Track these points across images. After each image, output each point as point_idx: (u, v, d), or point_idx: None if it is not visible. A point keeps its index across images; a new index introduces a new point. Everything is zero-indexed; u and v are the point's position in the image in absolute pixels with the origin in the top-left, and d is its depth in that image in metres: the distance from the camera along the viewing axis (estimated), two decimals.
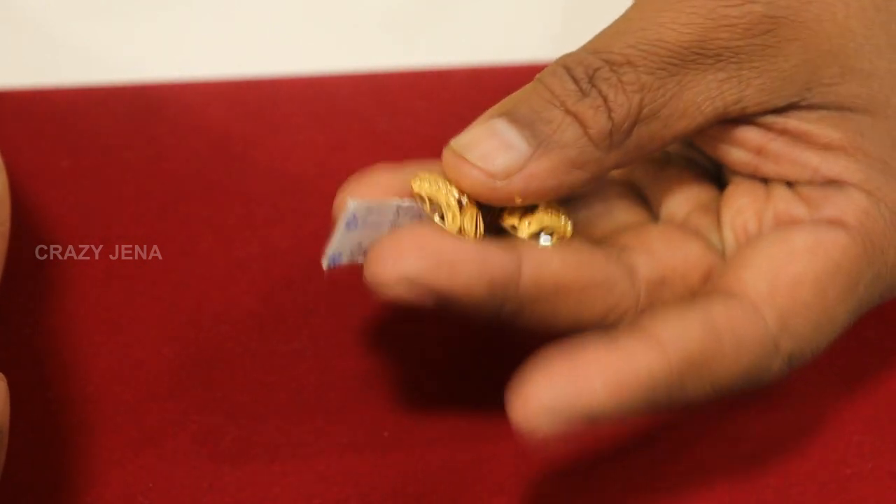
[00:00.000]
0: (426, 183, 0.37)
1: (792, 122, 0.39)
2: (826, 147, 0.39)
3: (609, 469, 0.40)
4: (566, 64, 0.38)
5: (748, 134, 0.39)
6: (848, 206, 0.38)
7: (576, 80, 0.38)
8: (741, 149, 0.40)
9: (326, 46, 0.54)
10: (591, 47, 0.38)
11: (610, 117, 0.37)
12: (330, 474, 0.40)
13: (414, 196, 0.38)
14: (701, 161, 0.42)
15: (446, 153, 0.37)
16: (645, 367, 0.36)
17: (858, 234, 0.38)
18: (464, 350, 0.43)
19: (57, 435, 0.41)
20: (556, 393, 0.35)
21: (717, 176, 0.42)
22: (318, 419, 0.41)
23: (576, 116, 0.37)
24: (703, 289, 0.39)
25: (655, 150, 0.39)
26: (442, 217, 0.37)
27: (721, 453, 0.41)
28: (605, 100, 0.37)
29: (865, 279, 0.38)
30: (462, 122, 0.49)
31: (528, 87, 0.38)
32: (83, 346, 0.43)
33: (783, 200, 0.39)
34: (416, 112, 0.49)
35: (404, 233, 0.36)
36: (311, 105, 0.50)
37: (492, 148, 0.37)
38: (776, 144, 0.39)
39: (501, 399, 0.42)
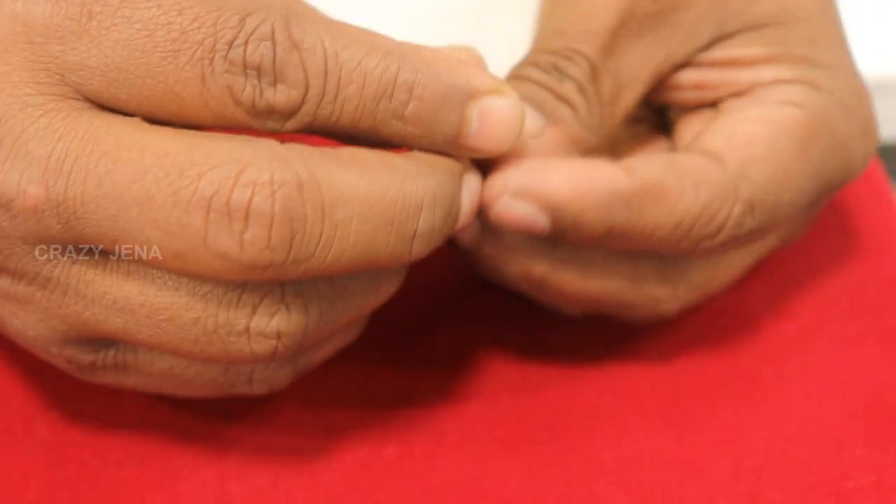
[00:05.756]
0: None
1: (717, 53, 0.42)
2: (754, 63, 0.41)
3: (611, 483, 0.40)
4: (532, 62, 0.41)
5: (684, 76, 0.42)
6: (792, 91, 0.41)
7: (547, 72, 0.40)
8: (682, 90, 0.42)
9: None
10: (540, 48, 0.41)
11: (587, 99, 0.40)
12: (335, 491, 0.40)
13: None
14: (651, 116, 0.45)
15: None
16: (607, 177, 0.38)
17: (807, 109, 0.41)
18: (469, 366, 0.44)
19: (62, 440, 0.41)
20: (522, 178, 0.38)
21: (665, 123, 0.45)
22: (322, 435, 0.41)
23: (564, 98, 0.40)
24: None
25: (615, 123, 0.41)
26: None
27: (724, 469, 0.41)
28: (577, 82, 0.40)
29: (817, 147, 0.40)
30: None
31: (506, 81, 0.40)
32: None
33: (734, 101, 0.42)
34: None
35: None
36: None
37: (516, 112, 0.38)
38: (711, 75, 0.42)
39: (506, 414, 0.42)
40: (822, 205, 0.43)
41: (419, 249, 0.36)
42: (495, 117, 0.37)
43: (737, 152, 0.40)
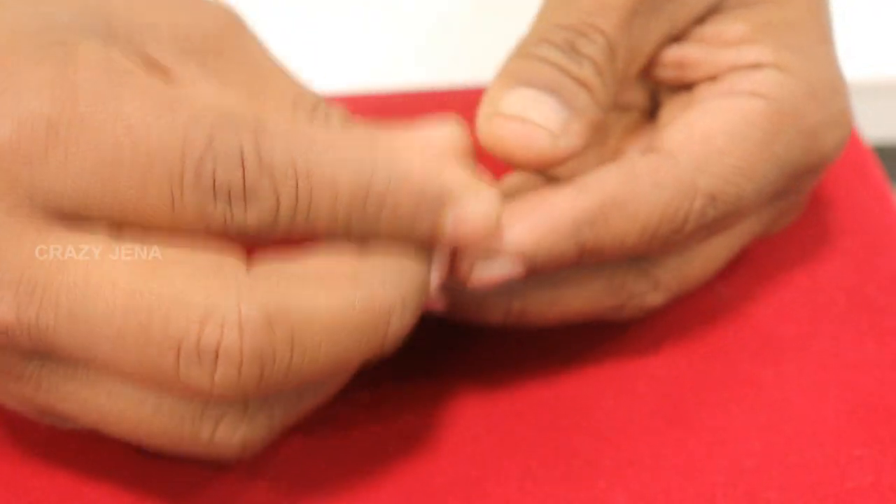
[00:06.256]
0: None
1: (707, 28, 0.42)
2: (738, 42, 0.41)
3: (611, 483, 0.41)
4: (545, 38, 0.40)
5: (668, 53, 0.42)
6: (763, 80, 0.41)
7: (564, 51, 0.39)
8: (664, 67, 0.42)
9: (337, 68, 0.55)
10: (554, 21, 0.40)
11: (603, 81, 0.39)
12: (335, 491, 0.40)
13: None
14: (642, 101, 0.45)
15: (501, 121, 0.38)
16: (566, 204, 0.38)
17: (773, 100, 0.40)
18: (469, 367, 0.44)
19: (64, 441, 0.41)
20: (482, 244, 0.38)
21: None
22: (321, 435, 0.42)
23: (583, 82, 0.39)
24: None
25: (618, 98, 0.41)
26: None
27: (722, 469, 0.41)
28: (596, 64, 0.39)
29: (783, 139, 0.40)
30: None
31: (519, 62, 0.40)
32: None
33: (705, 90, 0.42)
34: None
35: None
36: None
37: (542, 107, 0.38)
38: (694, 52, 0.42)
39: (505, 415, 0.42)
40: (800, 192, 0.43)
41: (391, 346, 0.37)
42: (471, 222, 0.36)
43: (694, 146, 0.40)
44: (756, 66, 0.41)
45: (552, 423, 0.42)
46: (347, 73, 0.55)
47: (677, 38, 0.42)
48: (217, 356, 0.34)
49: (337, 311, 0.35)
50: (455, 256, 0.38)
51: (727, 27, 0.41)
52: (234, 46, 0.38)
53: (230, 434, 0.36)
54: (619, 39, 0.40)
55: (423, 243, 0.36)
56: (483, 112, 0.39)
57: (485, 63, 0.56)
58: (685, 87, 0.43)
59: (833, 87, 0.42)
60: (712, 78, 0.42)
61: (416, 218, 0.36)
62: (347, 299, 0.35)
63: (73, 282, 0.34)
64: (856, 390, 0.43)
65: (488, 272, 0.38)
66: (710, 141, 0.40)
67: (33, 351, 0.35)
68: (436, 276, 0.38)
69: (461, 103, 0.51)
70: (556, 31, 0.40)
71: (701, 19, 0.41)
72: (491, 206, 0.36)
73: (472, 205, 0.36)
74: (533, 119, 0.38)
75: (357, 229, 0.35)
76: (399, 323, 0.36)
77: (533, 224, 0.38)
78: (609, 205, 0.38)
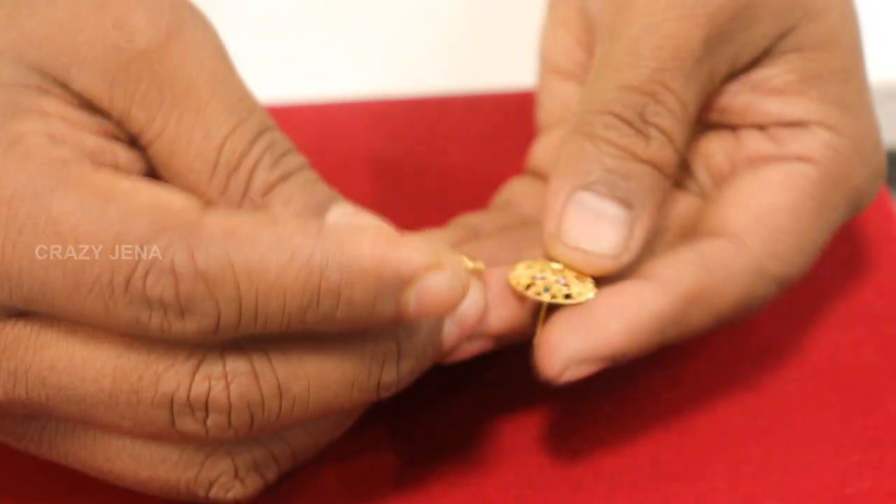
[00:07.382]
0: (532, 269, 0.39)
1: (755, 73, 0.41)
2: (784, 92, 0.41)
3: (611, 488, 0.41)
4: (612, 111, 0.38)
5: (715, 98, 0.41)
6: (812, 142, 0.41)
7: (631, 124, 0.38)
8: (707, 111, 0.41)
9: (324, 74, 0.55)
10: (619, 82, 0.39)
11: (675, 147, 0.39)
12: (335, 497, 0.41)
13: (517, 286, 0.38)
14: None
15: (563, 250, 0.38)
16: (654, 306, 0.38)
17: (824, 166, 0.40)
18: (468, 372, 0.44)
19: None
20: (577, 342, 0.37)
21: None
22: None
23: (650, 163, 0.38)
24: (692, 232, 0.41)
25: None
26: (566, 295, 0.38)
27: (722, 475, 0.41)
28: (666, 133, 0.38)
29: (833, 204, 0.41)
30: (462, 147, 0.49)
31: (580, 144, 0.39)
32: None
33: (753, 142, 0.41)
34: (416, 139, 0.50)
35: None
36: (309, 132, 0.51)
37: (601, 230, 0.38)
38: (740, 99, 0.41)
39: (506, 420, 0.42)
40: None
41: (387, 393, 0.36)
42: (434, 295, 0.34)
43: (760, 230, 0.40)
44: (802, 124, 0.41)
45: (551, 429, 0.42)
46: (347, 76, 0.55)
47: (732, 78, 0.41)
48: (206, 407, 0.34)
49: (325, 361, 0.34)
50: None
51: (775, 74, 0.41)
52: (166, 65, 0.36)
53: (223, 493, 0.36)
54: (689, 94, 0.39)
55: (387, 322, 0.34)
56: (547, 231, 0.39)
57: (485, 66, 0.56)
58: (723, 126, 0.42)
59: (874, 141, 0.42)
60: (759, 127, 0.41)
61: (376, 305, 0.33)
62: (337, 349, 0.34)
63: (54, 357, 0.34)
64: (855, 395, 0.43)
65: (579, 373, 0.38)
66: (773, 221, 0.40)
67: (31, 417, 0.36)
68: (453, 330, 0.37)
69: (462, 107, 0.51)
70: (622, 96, 0.39)
71: (756, 61, 0.41)
72: (454, 276, 0.34)
73: (434, 279, 0.34)
74: (592, 252, 0.38)
75: (314, 326, 0.33)
76: (394, 372, 0.35)
77: (621, 328, 0.37)
78: (689, 302, 0.38)
